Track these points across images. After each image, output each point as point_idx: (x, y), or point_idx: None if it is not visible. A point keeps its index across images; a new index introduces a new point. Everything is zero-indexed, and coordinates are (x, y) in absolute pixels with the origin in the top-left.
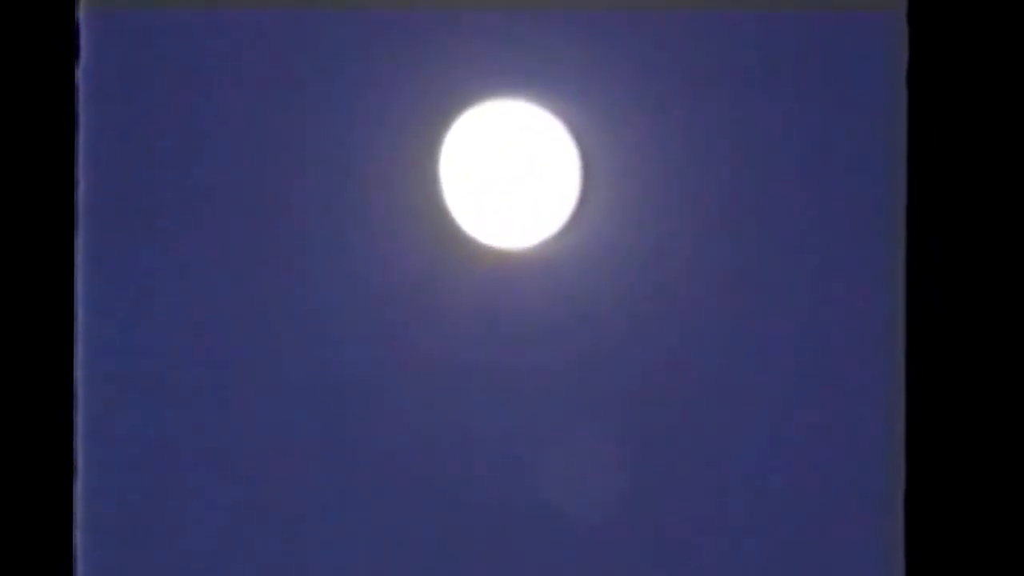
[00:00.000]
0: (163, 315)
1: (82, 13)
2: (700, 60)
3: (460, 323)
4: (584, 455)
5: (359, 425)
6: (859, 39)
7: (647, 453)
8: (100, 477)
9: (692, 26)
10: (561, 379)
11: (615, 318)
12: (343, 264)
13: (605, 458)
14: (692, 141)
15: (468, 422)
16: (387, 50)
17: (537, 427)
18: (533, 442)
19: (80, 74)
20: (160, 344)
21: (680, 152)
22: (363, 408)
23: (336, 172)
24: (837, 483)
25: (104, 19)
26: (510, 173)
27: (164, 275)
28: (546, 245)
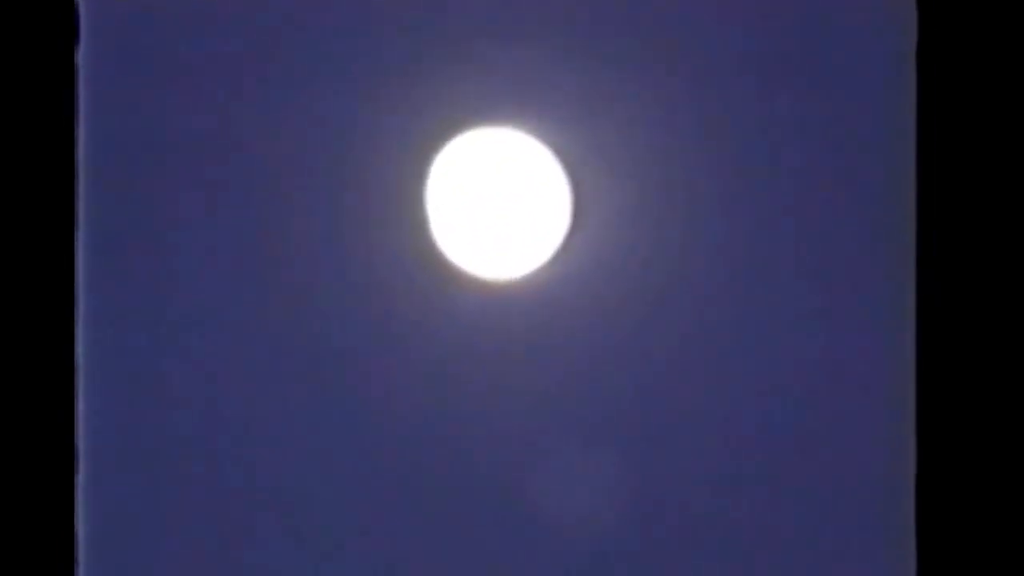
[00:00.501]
0: (159, 323)
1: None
2: (691, 83)
3: (448, 355)
4: (576, 486)
5: (347, 455)
6: (866, 31)
7: (638, 482)
8: (101, 477)
9: (683, 47)
10: (552, 411)
11: (607, 349)
12: (327, 296)
13: (596, 487)
14: (684, 164)
15: (458, 454)
16: (373, 77)
17: (531, 457)
18: (526, 475)
19: (80, 60)
20: (156, 345)
21: (672, 176)
22: (351, 439)
23: (321, 200)
24: (843, 502)
25: (103, 7)
26: (498, 202)
27: (159, 279)
28: (536, 275)
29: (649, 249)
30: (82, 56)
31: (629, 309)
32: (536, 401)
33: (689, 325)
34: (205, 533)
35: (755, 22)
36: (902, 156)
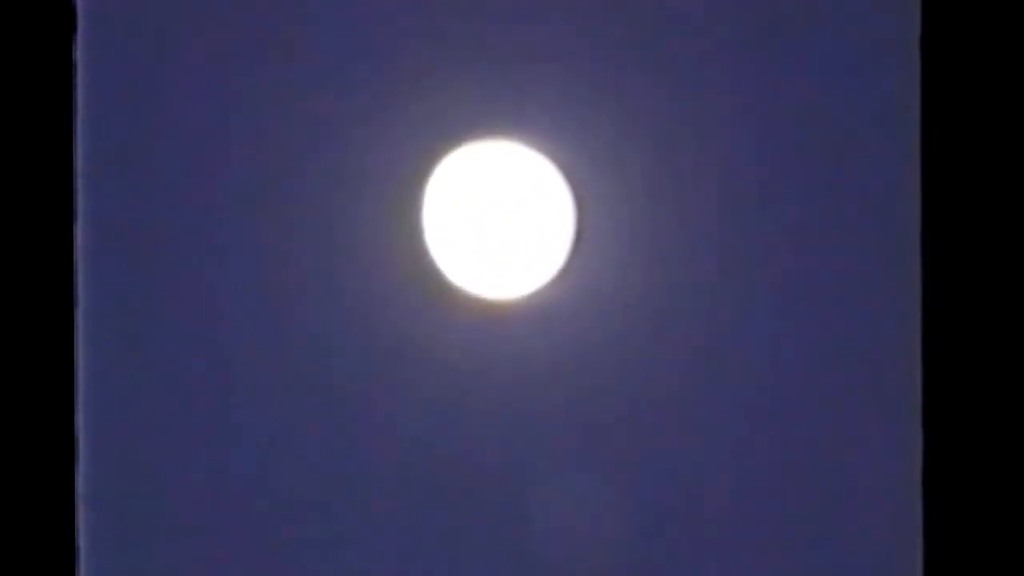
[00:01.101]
0: (160, 316)
1: None
2: (695, 93)
3: (449, 378)
4: (579, 513)
5: (344, 479)
6: (869, 29)
7: (645, 506)
8: (100, 480)
9: (686, 57)
10: (556, 433)
11: (615, 371)
12: (321, 320)
13: (600, 514)
14: (691, 175)
15: (459, 482)
16: (366, 90)
17: (534, 485)
18: (530, 503)
19: (77, 55)
20: (156, 342)
21: (678, 187)
22: (348, 464)
23: (313, 219)
24: (853, 521)
25: (101, 1)
26: (499, 218)
27: (161, 276)
28: (540, 294)
29: (657, 264)
30: (80, 51)
31: (638, 327)
32: (540, 422)
33: (698, 341)
34: (206, 532)
35: (758, 30)
36: (906, 157)
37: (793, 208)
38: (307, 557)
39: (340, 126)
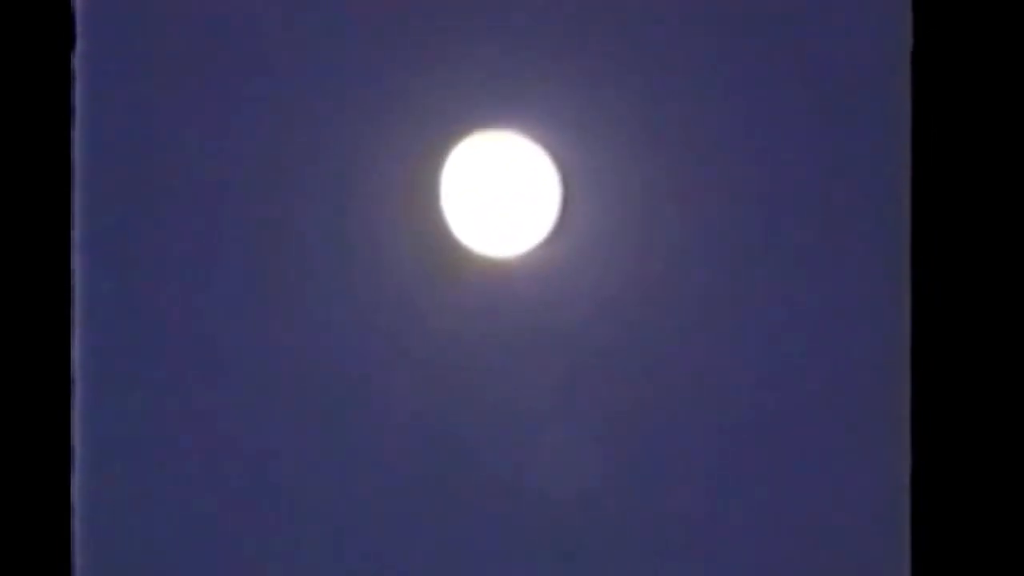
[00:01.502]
0: (161, 317)
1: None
2: (681, 84)
3: (458, 319)
4: (575, 457)
5: (355, 427)
6: (862, 28)
7: (635, 455)
8: (96, 477)
9: (675, 51)
10: (543, 365)
11: (595, 316)
12: (358, 270)
13: (595, 460)
14: (665, 157)
15: (463, 422)
16: (395, 82)
17: (530, 429)
18: (525, 444)
19: (76, 62)
20: (157, 342)
21: (649, 168)
22: (359, 410)
23: (355, 191)
24: (836, 492)
25: (100, 8)
26: (501, 192)
27: (163, 277)
28: (531, 253)
29: (630, 232)
30: (78, 58)
31: (613, 280)
32: (530, 358)
33: (666, 296)
34: (205, 532)
35: (750, 23)
36: (897, 154)
37: (769, 178)
38: (320, 485)
39: (377, 113)
